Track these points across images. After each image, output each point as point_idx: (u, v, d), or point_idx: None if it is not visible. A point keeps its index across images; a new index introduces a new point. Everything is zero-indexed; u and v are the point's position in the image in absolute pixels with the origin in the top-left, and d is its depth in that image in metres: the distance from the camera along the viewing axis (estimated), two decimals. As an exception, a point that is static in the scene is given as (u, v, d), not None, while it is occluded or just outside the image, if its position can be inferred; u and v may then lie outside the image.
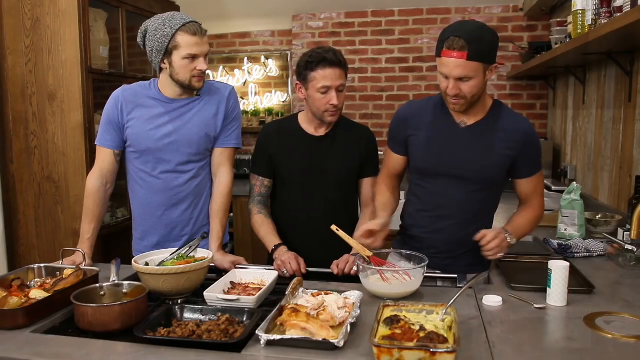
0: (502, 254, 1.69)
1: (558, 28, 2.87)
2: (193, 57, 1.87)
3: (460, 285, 1.71)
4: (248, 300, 1.48)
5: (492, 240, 1.64)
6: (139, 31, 1.92)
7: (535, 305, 1.50)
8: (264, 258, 2.06)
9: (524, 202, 1.86)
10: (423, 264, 1.59)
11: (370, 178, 2.08)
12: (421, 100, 1.91)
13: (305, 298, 1.47)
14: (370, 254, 1.67)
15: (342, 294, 1.50)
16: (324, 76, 1.90)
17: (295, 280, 1.53)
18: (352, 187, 2.10)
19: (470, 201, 1.79)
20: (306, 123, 2.07)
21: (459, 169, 1.77)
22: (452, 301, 1.37)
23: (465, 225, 1.79)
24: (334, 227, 1.73)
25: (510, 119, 1.78)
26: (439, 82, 1.71)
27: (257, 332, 1.25)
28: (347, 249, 1.99)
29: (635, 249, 1.90)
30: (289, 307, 1.36)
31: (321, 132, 2.05)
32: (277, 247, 1.95)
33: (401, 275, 1.59)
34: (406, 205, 1.97)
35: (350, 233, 2.03)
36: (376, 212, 1.85)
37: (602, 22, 2.02)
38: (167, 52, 1.87)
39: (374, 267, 1.62)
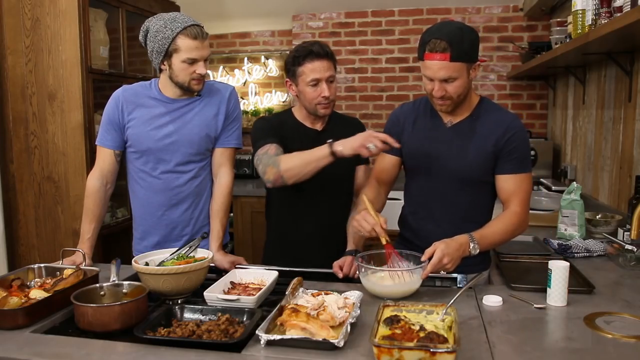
0: (453, 266, 1.57)
1: (558, 28, 2.87)
2: (193, 61, 1.87)
3: (460, 285, 1.71)
4: (248, 300, 1.48)
5: (438, 263, 1.53)
6: (141, 29, 1.92)
7: (535, 305, 1.50)
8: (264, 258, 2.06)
9: (504, 206, 1.76)
10: (423, 264, 1.59)
11: (363, 165, 2.09)
12: (412, 102, 1.93)
13: (305, 298, 1.47)
14: (385, 241, 1.61)
15: (342, 294, 1.50)
16: (312, 69, 1.90)
17: (295, 280, 1.53)
18: (351, 180, 2.10)
19: (460, 201, 1.79)
20: (302, 119, 2.06)
21: (446, 169, 1.77)
22: (452, 301, 1.36)
23: (458, 225, 1.77)
24: (364, 197, 1.68)
25: (494, 114, 1.77)
26: (424, 85, 1.71)
27: (257, 332, 1.25)
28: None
29: (635, 249, 1.90)
30: (289, 307, 1.36)
31: (317, 127, 2.04)
32: None
33: (403, 275, 1.58)
34: (402, 210, 1.97)
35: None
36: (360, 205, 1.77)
37: (602, 22, 2.02)
38: (167, 55, 1.87)
39: (375, 267, 1.62)
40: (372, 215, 1.62)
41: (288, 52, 4.52)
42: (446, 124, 1.80)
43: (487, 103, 1.81)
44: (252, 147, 1.98)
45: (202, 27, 1.89)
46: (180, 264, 1.59)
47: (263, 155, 1.87)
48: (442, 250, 1.54)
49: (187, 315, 1.44)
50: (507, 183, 1.73)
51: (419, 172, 1.83)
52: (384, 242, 1.62)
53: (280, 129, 1.99)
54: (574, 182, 2.39)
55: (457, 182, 1.77)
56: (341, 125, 2.06)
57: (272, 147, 1.88)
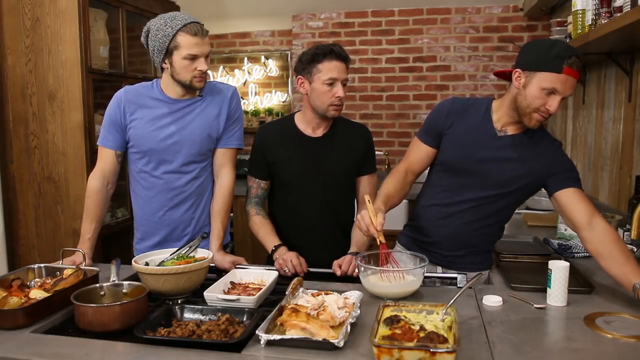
0: None
1: (558, 28, 2.87)
2: (193, 58, 1.87)
3: (460, 285, 1.71)
4: (248, 300, 1.48)
5: None
6: (143, 30, 1.93)
7: (535, 305, 1.50)
8: (264, 258, 2.06)
9: (591, 229, 1.60)
10: (423, 264, 1.59)
11: (367, 176, 2.08)
12: (466, 99, 1.89)
13: (305, 298, 1.47)
14: (383, 240, 1.62)
15: (342, 294, 1.50)
16: (330, 68, 1.89)
17: (295, 280, 1.53)
18: (352, 187, 2.10)
19: (484, 206, 1.78)
20: (303, 124, 2.04)
21: (482, 173, 1.76)
22: (452, 301, 1.36)
23: (472, 227, 1.79)
24: (366, 197, 1.68)
25: (544, 134, 1.78)
26: (532, 98, 1.62)
27: (257, 332, 1.25)
28: (348, 249, 1.99)
29: (635, 249, 1.90)
30: (289, 307, 1.36)
31: (319, 132, 2.03)
32: (277, 247, 1.95)
33: (400, 275, 1.59)
34: (419, 198, 1.95)
35: (348, 232, 2.04)
36: (377, 199, 1.77)
37: (602, 22, 2.02)
38: (168, 52, 1.87)
39: (375, 268, 1.62)
40: (370, 216, 1.62)
41: (288, 52, 4.56)
42: (498, 133, 1.77)
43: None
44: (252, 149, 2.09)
45: (202, 24, 1.89)
46: (180, 264, 1.59)
47: (249, 190, 2.12)
48: None
49: (187, 315, 1.44)
50: (579, 204, 1.65)
51: (454, 167, 1.81)
52: (378, 242, 1.63)
53: (275, 141, 2.05)
54: (574, 182, 2.39)
55: (488, 189, 1.76)
56: (344, 131, 2.06)
57: (254, 186, 2.10)
